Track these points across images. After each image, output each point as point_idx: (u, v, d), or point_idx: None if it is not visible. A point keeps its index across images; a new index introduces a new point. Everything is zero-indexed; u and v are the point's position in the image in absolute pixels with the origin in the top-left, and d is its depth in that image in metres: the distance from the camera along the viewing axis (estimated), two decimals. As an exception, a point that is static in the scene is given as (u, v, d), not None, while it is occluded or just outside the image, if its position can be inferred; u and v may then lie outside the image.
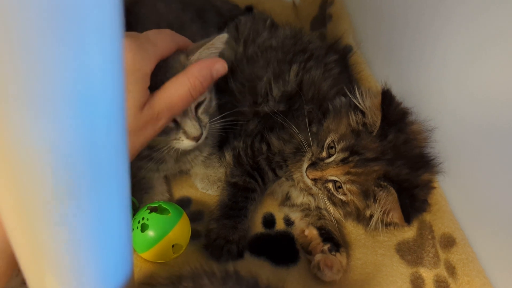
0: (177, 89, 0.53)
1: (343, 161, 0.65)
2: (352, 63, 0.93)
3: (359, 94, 0.67)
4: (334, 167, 0.65)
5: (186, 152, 0.72)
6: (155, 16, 0.82)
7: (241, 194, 0.73)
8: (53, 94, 0.22)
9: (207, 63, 0.56)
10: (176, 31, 0.66)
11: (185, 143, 0.62)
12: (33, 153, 0.23)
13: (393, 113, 0.66)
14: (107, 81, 0.24)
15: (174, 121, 0.60)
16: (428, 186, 0.67)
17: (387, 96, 0.64)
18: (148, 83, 0.51)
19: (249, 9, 1.11)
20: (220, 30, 0.97)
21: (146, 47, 0.52)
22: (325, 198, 0.69)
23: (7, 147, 0.23)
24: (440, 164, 0.69)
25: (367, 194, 0.65)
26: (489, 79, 0.63)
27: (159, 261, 0.67)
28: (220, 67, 0.57)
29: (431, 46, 0.76)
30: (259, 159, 0.75)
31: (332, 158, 0.66)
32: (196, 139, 0.61)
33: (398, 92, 0.74)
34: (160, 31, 0.57)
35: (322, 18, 1.12)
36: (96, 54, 0.23)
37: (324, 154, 0.68)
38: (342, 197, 0.67)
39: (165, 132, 0.59)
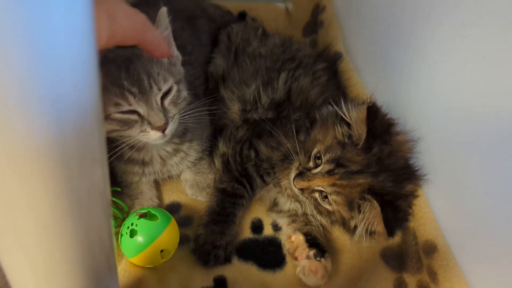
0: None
1: (329, 172, 0.66)
2: (341, 70, 0.94)
3: (345, 106, 0.68)
4: (320, 178, 0.66)
5: (169, 154, 0.73)
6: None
7: (229, 200, 0.74)
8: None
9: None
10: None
11: (151, 134, 0.61)
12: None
13: (378, 126, 0.67)
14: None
15: (138, 114, 0.59)
16: (411, 196, 0.69)
17: (372, 111, 0.66)
18: None
19: (242, 16, 1.13)
20: (213, 36, 0.98)
21: (99, 16, 0.47)
22: (312, 206, 0.70)
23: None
24: (424, 175, 0.70)
25: (352, 205, 0.66)
26: (475, 89, 0.64)
27: (148, 266, 0.68)
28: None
29: (419, 54, 0.77)
30: (248, 166, 0.76)
31: (318, 169, 0.67)
32: (161, 129, 0.60)
33: (385, 100, 0.76)
34: (135, 13, 0.54)
35: (314, 24, 1.14)
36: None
37: (311, 164, 0.69)
38: (328, 207, 0.68)
39: (129, 125, 0.59)
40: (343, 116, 0.68)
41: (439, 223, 0.70)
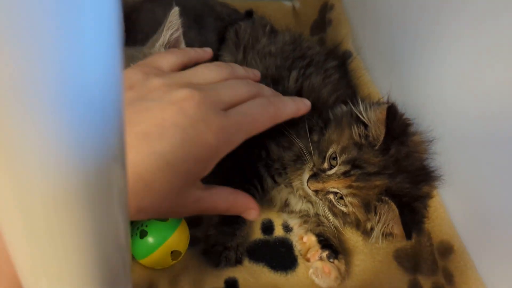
0: None
1: (345, 174, 0.64)
2: (352, 68, 0.93)
3: (363, 107, 0.67)
4: (335, 180, 0.65)
5: None
6: (153, 22, 0.82)
7: (240, 200, 0.73)
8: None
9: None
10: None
11: None
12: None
13: (397, 127, 0.66)
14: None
15: None
16: (427, 198, 0.67)
17: (392, 111, 0.64)
18: None
19: (249, 14, 1.12)
20: (220, 34, 0.97)
21: None
22: (326, 208, 0.69)
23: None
24: (441, 176, 0.69)
25: (368, 207, 0.65)
26: (491, 86, 0.63)
27: (158, 268, 0.67)
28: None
29: (430, 51, 0.76)
30: (258, 166, 0.75)
31: (333, 171, 0.66)
32: None
33: (397, 99, 0.74)
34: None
35: (322, 23, 1.13)
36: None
37: (325, 165, 0.67)
38: (343, 208, 0.67)
39: None
40: (362, 117, 0.66)
41: (454, 224, 0.69)
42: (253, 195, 0.73)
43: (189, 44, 0.81)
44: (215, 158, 0.51)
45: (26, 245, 0.26)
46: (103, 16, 0.20)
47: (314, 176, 0.67)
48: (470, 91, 0.66)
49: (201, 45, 0.87)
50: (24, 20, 0.16)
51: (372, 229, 0.65)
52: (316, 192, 0.68)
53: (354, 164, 0.64)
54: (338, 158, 0.66)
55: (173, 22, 0.61)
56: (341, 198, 0.66)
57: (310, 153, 0.70)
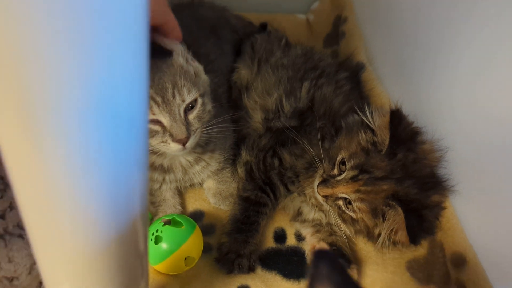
0: None
1: (353, 178, 0.65)
2: (364, 79, 0.94)
3: (369, 112, 0.68)
4: (344, 185, 0.66)
5: (190, 163, 0.73)
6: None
7: (252, 208, 0.74)
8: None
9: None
10: (190, 47, 0.68)
11: (172, 146, 0.61)
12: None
13: (402, 132, 0.66)
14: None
15: (161, 125, 0.60)
16: (438, 208, 0.67)
17: (395, 116, 0.65)
18: None
19: (263, 27, 1.13)
20: (235, 46, 0.99)
21: None
22: (336, 215, 0.70)
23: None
24: (452, 186, 0.69)
25: (376, 213, 0.65)
26: (504, 95, 0.63)
27: (172, 273, 0.68)
28: None
29: (445, 63, 0.76)
30: (271, 174, 0.76)
31: (342, 176, 0.66)
32: (182, 142, 0.60)
33: (410, 109, 0.75)
34: None
35: (335, 35, 1.14)
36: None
37: (335, 171, 0.68)
38: (352, 214, 0.67)
39: (150, 135, 0.60)
40: (367, 122, 0.67)
41: (468, 236, 0.69)
42: (265, 203, 0.74)
43: (206, 54, 0.83)
44: None
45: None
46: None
47: (324, 182, 0.68)
48: (482, 99, 0.66)
49: (218, 56, 0.89)
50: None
51: (379, 234, 0.65)
52: (326, 198, 0.68)
53: (362, 169, 0.65)
54: (346, 163, 0.66)
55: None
56: (350, 203, 0.67)
57: (321, 161, 0.70)
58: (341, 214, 0.69)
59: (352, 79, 0.91)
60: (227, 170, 0.81)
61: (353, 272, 0.68)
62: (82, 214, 0.28)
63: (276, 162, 0.76)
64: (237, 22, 1.06)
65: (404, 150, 0.65)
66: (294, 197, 0.77)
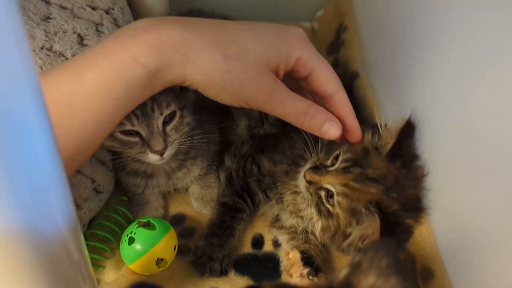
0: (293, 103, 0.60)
1: (344, 169, 0.65)
2: (357, 88, 0.94)
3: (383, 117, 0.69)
4: (333, 175, 0.65)
5: (173, 169, 0.76)
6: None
7: (229, 213, 0.76)
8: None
9: (326, 116, 0.62)
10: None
11: (150, 156, 0.65)
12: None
13: (407, 146, 0.66)
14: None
15: (140, 136, 0.64)
16: (408, 231, 0.66)
17: (409, 125, 0.66)
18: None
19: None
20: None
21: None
22: (313, 204, 0.69)
23: None
24: (428, 214, 0.69)
25: (354, 213, 0.65)
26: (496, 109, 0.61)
27: (145, 273, 0.71)
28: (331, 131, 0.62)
29: (439, 76, 0.75)
30: (250, 181, 0.78)
31: (334, 167, 0.66)
32: (160, 153, 0.64)
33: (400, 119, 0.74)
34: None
35: (337, 44, 1.14)
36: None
37: (329, 162, 0.68)
38: (330, 208, 0.66)
39: (130, 146, 0.64)
40: (378, 126, 0.68)
41: (439, 248, 0.68)
42: (242, 209, 0.76)
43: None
44: None
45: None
46: None
47: (314, 169, 0.67)
48: (473, 112, 0.64)
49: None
50: None
51: (349, 235, 0.65)
52: (310, 184, 0.68)
53: (355, 162, 0.64)
54: (341, 155, 0.66)
55: None
56: (331, 197, 0.66)
57: (316, 151, 0.70)
58: (319, 204, 0.68)
59: (345, 88, 0.91)
60: (210, 176, 0.83)
61: (320, 281, 0.69)
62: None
63: (255, 168, 0.78)
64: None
65: (401, 162, 0.65)
66: (273, 204, 0.78)
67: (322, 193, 0.67)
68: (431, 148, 0.72)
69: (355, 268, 0.33)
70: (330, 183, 0.66)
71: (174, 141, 0.66)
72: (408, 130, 0.65)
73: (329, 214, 0.67)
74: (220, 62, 0.55)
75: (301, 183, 0.69)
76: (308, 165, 0.70)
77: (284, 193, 0.75)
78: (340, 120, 0.64)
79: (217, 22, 0.60)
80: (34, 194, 0.32)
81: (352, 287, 0.33)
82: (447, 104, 0.71)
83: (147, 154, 0.65)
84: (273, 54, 0.58)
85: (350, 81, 0.96)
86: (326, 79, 0.64)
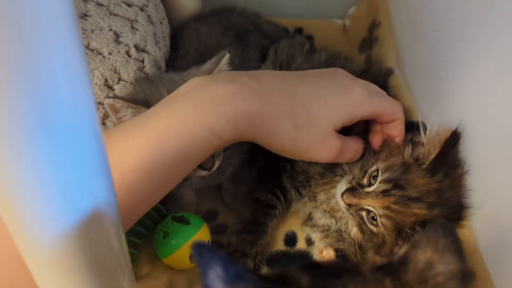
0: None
1: (384, 193, 0.62)
2: (391, 85, 0.92)
3: (422, 125, 0.68)
4: (373, 198, 0.63)
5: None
6: (196, 39, 0.89)
7: (262, 210, 0.75)
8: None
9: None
10: (213, 52, 0.71)
11: (199, 172, 0.67)
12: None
13: (451, 156, 0.64)
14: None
15: None
16: None
17: (455, 137, 0.64)
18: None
19: (298, 32, 1.15)
20: (264, 52, 1.01)
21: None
22: (355, 223, 0.68)
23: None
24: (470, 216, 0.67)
25: (401, 233, 0.63)
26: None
27: (179, 268, 0.71)
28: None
29: (475, 71, 0.72)
30: (283, 178, 0.77)
31: (372, 188, 0.64)
32: (209, 169, 0.67)
33: (436, 118, 0.72)
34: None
35: (370, 41, 1.12)
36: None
37: (365, 181, 0.66)
38: (373, 228, 0.65)
39: None
40: (421, 133, 0.67)
41: (481, 250, 0.66)
42: (275, 206, 0.75)
43: (229, 60, 0.85)
44: None
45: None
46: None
47: (351, 190, 0.66)
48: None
49: (242, 61, 0.92)
50: None
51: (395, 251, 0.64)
52: (350, 206, 0.66)
53: (396, 184, 0.62)
54: (379, 175, 0.64)
55: (223, 67, 0.67)
56: (374, 218, 0.64)
57: (349, 167, 0.69)
58: (361, 224, 0.67)
59: (380, 85, 0.89)
60: (243, 172, 0.83)
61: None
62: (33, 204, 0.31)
63: (288, 166, 0.77)
64: (269, 28, 1.08)
65: (443, 172, 0.63)
66: (306, 201, 0.77)
67: (364, 214, 0.65)
68: (471, 151, 0.69)
69: (414, 245, 0.35)
70: (371, 205, 0.64)
71: (219, 155, 0.68)
72: (454, 140, 0.63)
73: (372, 234, 0.66)
74: (291, 131, 0.58)
75: (340, 203, 0.68)
76: (344, 185, 0.68)
77: (317, 192, 0.74)
78: (390, 137, 0.69)
79: (289, 85, 0.60)
80: (80, 185, 0.32)
81: (409, 261, 0.34)
82: (488, 104, 0.69)
83: (197, 170, 0.67)
84: (339, 118, 0.61)
85: (384, 78, 0.94)
86: (390, 117, 0.67)
